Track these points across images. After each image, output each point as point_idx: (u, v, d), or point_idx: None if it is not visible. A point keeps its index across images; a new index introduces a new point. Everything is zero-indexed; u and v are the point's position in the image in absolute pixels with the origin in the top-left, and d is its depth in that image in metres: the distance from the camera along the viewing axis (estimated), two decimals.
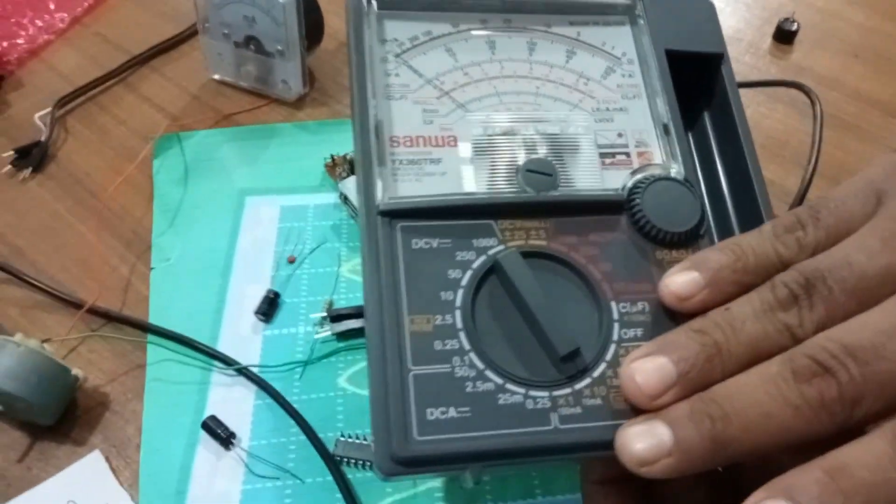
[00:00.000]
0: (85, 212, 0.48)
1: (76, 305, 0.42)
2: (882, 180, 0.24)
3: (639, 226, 0.27)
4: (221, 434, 0.37)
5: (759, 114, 0.55)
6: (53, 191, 0.49)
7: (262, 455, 0.37)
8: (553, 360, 0.24)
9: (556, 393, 0.24)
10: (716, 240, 0.29)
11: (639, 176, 0.28)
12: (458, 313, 0.25)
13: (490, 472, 0.24)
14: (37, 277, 0.43)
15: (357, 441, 0.37)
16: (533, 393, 0.24)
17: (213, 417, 0.38)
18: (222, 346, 0.41)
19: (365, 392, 0.39)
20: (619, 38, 0.32)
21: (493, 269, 0.26)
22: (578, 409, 0.24)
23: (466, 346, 0.24)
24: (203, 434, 0.37)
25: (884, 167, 0.25)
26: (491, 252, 0.26)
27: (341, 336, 0.41)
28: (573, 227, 0.27)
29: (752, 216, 0.30)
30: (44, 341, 0.38)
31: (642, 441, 0.22)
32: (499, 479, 0.36)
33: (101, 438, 0.38)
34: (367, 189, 0.27)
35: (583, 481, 0.27)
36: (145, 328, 0.42)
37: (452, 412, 0.23)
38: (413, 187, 0.27)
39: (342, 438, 0.37)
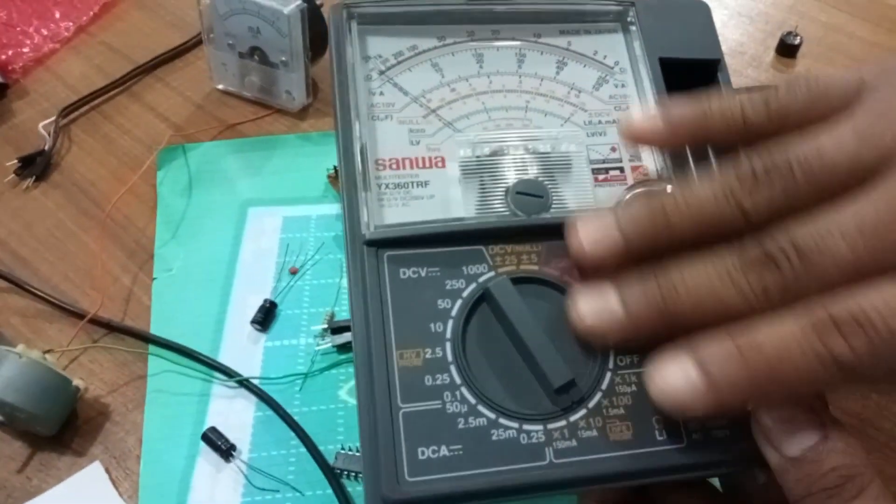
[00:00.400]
0: (88, 221, 0.48)
1: (78, 315, 0.42)
2: (871, 75, 0.24)
3: None
4: (222, 446, 0.37)
5: None
6: (57, 200, 0.49)
7: (261, 467, 0.37)
8: (547, 391, 0.24)
9: (550, 426, 0.23)
10: None
11: (634, 192, 0.27)
12: (448, 345, 0.24)
13: None
14: (39, 287, 0.44)
15: (357, 454, 0.37)
16: (527, 427, 0.23)
17: (213, 429, 0.38)
18: (223, 358, 0.41)
19: None
20: (612, 47, 0.31)
21: (483, 298, 0.25)
22: (574, 443, 0.23)
23: (458, 380, 0.24)
24: (203, 446, 0.37)
25: (878, 63, 0.25)
26: (481, 279, 0.25)
27: (342, 348, 0.41)
28: (566, 249, 0.26)
29: None
30: (45, 352, 0.38)
31: (591, 302, 0.23)
32: None
33: (101, 449, 0.38)
34: (351, 217, 0.26)
35: (581, 499, 0.27)
36: (147, 339, 0.42)
37: (444, 450, 0.23)
38: (400, 213, 0.26)
39: (342, 451, 0.37)
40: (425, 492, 0.22)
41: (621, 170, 0.29)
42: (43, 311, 0.43)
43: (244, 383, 0.40)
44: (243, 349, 0.41)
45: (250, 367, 0.40)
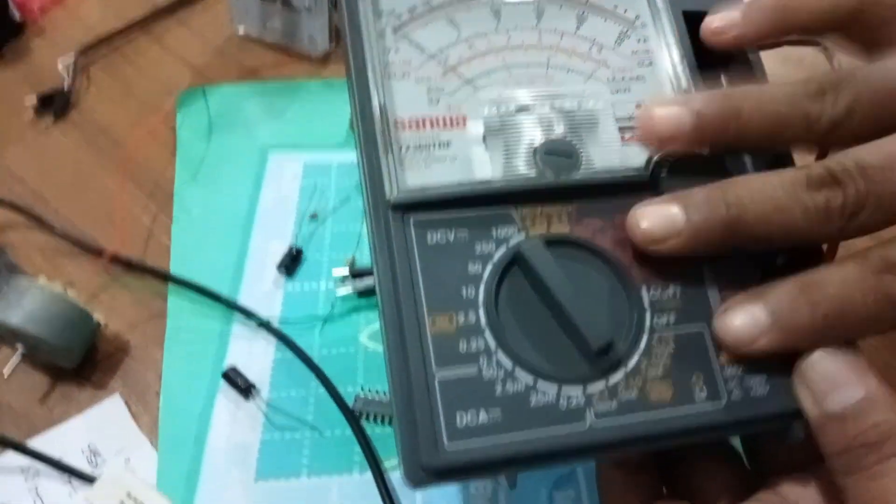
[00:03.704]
0: (108, 162, 0.47)
1: (98, 253, 0.42)
2: None
3: None
4: (241, 384, 0.37)
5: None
6: (76, 139, 0.49)
7: (281, 407, 0.37)
8: (585, 354, 0.23)
9: (589, 388, 0.23)
10: None
11: (661, 151, 0.26)
12: (481, 310, 0.23)
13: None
14: (60, 225, 0.43)
15: (376, 396, 0.37)
16: (566, 390, 0.23)
17: (233, 368, 0.38)
18: (243, 300, 0.41)
19: None
20: (631, 0, 0.30)
21: (515, 261, 0.24)
22: (614, 405, 0.23)
23: (493, 344, 0.23)
24: (223, 384, 0.38)
25: None
26: (512, 242, 0.24)
27: (362, 293, 0.41)
28: (597, 210, 0.25)
29: None
30: (66, 286, 0.38)
31: (653, 218, 0.23)
32: None
33: (120, 384, 0.38)
34: (373, 180, 0.25)
35: (598, 464, 0.27)
36: (166, 278, 0.42)
37: (483, 416, 0.22)
38: (422, 175, 0.25)
39: (361, 394, 0.37)
40: (465, 458, 0.22)
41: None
42: (63, 248, 0.43)
43: (264, 325, 0.40)
44: (263, 292, 0.41)
45: (270, 310, 0.40)
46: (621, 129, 0.27)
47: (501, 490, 0.35)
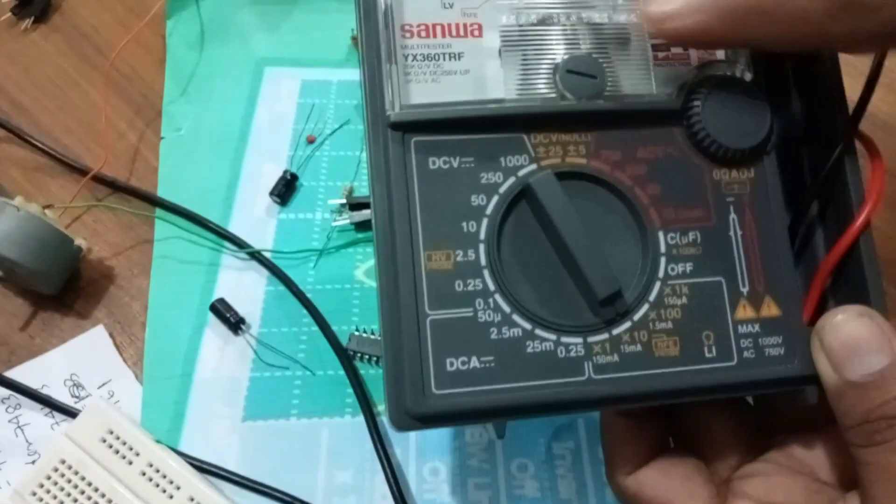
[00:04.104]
0: (91, 71, 0.44)
1: (81, 172, 0.40)
2: None
3: (696, 139, 0.23)
4: (230, 318, 0.35)
5: None
6: (58, 45, 0.45)
7: (271, 343, 0.35)
8: (590, 302, 0.22)
9: (591, 339, 0.21)
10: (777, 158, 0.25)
11: (697, 76, 0.24)
12: (481, 247, 0.22)
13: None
14: (40, 139, 0.41)
15: (371, 336, 0.35)
16: (565, 339, 0.21)
17: (221, 300, 0.36)
18: (234, 227, 0.38)
19: None
20: None
21: (523, 195, 0.22)
22: (615, 358, 0.21)
23: (491, 286, 0.21)
24: (211, 317, 0.36)
25: None
26: (521, 173, 0.22)
27: (360, 226, 0.38)
28: (618, 141, 0.23)
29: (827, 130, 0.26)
30: (45, 207, 0.36)
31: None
32: None
33: (105, 313, 0.36)
34: (373, 93, 0.22)
35: (603, 412, 0.26)
36: (154, 201, 0.39)
37: (475, 362, 0.21)
38: (429, 90, 0.23)
39: (356, 333, 0.35)
40: (453, 406, 0.20)
41: (684, 47, 0.25)
42: (44, 165, 0.41)
43: (256, 255, 0.37)
44: (256, 220, 0.39)
45: (262, 240, 0.38)
46: (654, 49, 0.24)
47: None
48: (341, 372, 0.34)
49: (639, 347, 0.22)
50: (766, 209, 0.23)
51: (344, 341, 0.35)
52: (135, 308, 0.37)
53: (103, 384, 0.34)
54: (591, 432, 0.34)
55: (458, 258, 0.21)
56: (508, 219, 0.22)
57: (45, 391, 0.34)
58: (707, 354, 0.22)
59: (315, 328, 0.36)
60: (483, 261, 0.21)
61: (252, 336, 0.36)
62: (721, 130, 0.23)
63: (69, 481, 0.31)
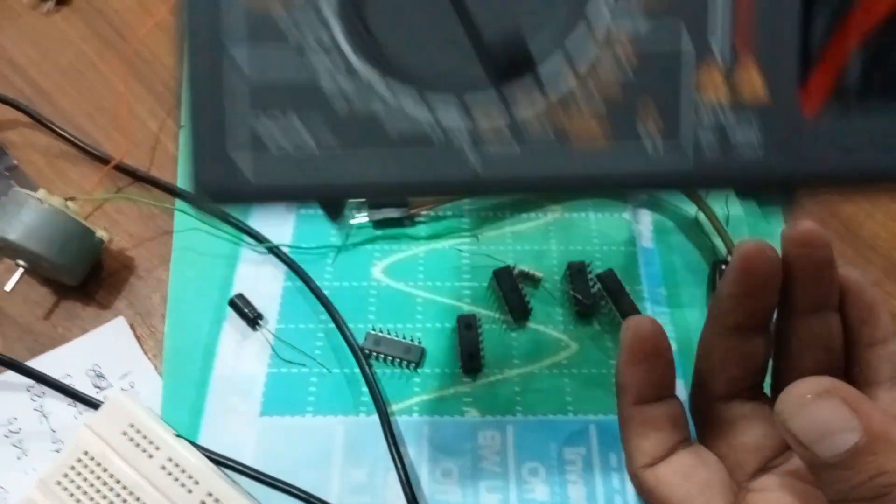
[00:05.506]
0: (112, 55, 0.44)
1: (102, 160, 0.40)
2: None
3: None
4: (249, 314, 0.36)
5: None
6: (79, 28, 0.45)
7: (289, 340, 0.36)
8: (481, 57, 0.15)
9: (481, 123, 0.16)
10: None
11: None
12: None
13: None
14: (62, 125, 0.41)
15: (388, 336, 0.36)
16: (441, 111, 0.15)
17: (240, 296, 0.36)
18: (253, 220, 0.39)
19: (400, 286, 0.37)
20: None
21: None
22: (507, 139, 0.16)
23: (338, 30, 0.15)
24: (230, 311, 0.36)
25: None
26: None
27: (378, 224, 0.38)
28: None
29: None
30: (68, 199, 0.36)
31: None
32: (532, 391, 0.35)
33: (125, 304, 0.37)
34: None
35: (620, 405, 0.25)
36: (174, 192, 0.39)
37: (302, 132, 0.15)
38: None
39: (372, 332, 0.36)
40: (269, 185, 0.15)
41: None
42: (66, 152, 0.41)
43: (274, 250, 0.38)
44: (275, 214, 0.39)
45: (281, 235, 0.38)
46: None
47: (508, 430, 0.34)
48: (357, 370, 0.35)
49: (549, 128, 0.16)
50: None
51: (360, 339, 0.35)
52: (154, 300, 0.37)
53: (124, 375, 0.35)
54: (603, 438, 0.34)
55: None
56: None
57: (67, 381, 0.35)
58: (650, 150, 0.16)
59: (332, 325, 0.36)
60: None
61: (269, 332, 0.36)
62: None
63: (92, 472, 0.32)
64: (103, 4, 0.46)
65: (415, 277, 0.38)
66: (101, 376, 0.35)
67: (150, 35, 0.44)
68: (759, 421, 0.24)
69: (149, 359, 0.35)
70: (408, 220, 0.39)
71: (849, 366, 0.24)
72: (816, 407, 0.19)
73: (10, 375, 0.34)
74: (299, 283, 0.37)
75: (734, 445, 0.24)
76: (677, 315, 0.37)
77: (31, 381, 0.35)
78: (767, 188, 0.17)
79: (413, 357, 0.35)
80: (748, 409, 0.24)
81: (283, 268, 0.38)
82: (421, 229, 0.39)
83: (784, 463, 0.24)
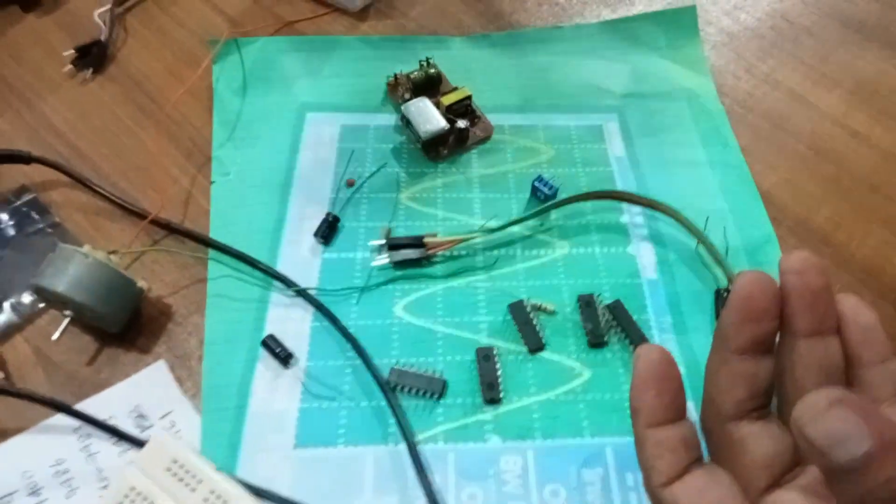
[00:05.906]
0: (145, 118, 0.47)
1: (139, 216, 0.43)
2: None
3: None
4: (280, 353, 0.38)
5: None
6: (114, 94, 0.49)
7: (318, 376, 0.38)
8: None
9: None
10: None
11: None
12: None
13: None
14: (100, 184, 0.44)
15: (411, 370, 0.38)
16: None
17: (271, 336, 0.39)
18: (281, 266, 0.41)
19: (421, 322, 0.40)
20: None
21: None
22: None
23: None
24: (262, 351, 0.39)
25: None
26: None
27: (398, 265, 0.41)
28: None
29: None
30: (110, 253, 0.39)
31: None
32: (550, 417, 0.37)
33: (165, 348, 0.39)
34: None
35: (635, 427, 0.27)
36: (207, 243, 0.42)
37: None
38: None
39: (396, 366, 0.38)
40: None
41: None
42: (105, 210, 0.44)
43: (302, 293, 0.40)
44: (302, 259, 0.42)
45: (308, 278, 0.41)
46: None
47: (529, 454, 0.36)
48: (383, 403, 0.37)
49: None
50: None
51: (385, 373, 0.38)
52: (192, 343, 0.39)
53: (165, 415, 0.37)
54: (620, 459, 0.36)
55: None
56: None
57: (111, 422, 0.37)
58: None
59: (358, 361, 0.38)
60: None
61: (300, 369, 0.38)
62: None
63: None
64: (134, 70, 0.50)
65: (434, 313, 0.40)
66: (142, 416, 0.37)
67: (179, 97, 0.47)
68: (769, 439, 0.25)
69: (188, 398, 0.38)
70: (425, 261, 0.42)
71: (850, 386, 0.25)
72: (831, 415, 0.20)
73: (58, 419, 0.37)
74: (326, 323, 0.40)
75: (745, 463, 0.25)
76: (683, 341, 0.40)
77: (77, 423, 0.37)
78: None
79: (435, 388, 0.37)
80: (757, 428, 0.26)
81: (310, 309, 0.40)
82: (438, 269, 0.42)
83: (795, 479, 0.25)
